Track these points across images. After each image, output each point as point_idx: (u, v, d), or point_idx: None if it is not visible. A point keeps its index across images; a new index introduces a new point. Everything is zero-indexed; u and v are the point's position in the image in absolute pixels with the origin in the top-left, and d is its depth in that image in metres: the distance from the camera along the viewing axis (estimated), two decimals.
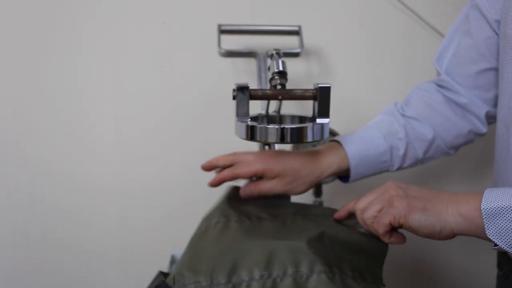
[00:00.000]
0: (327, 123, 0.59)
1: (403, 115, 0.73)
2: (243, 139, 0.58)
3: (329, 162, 0.68)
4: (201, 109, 1.01)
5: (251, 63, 0.98)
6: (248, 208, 0.64)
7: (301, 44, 0.91)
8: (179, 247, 0.91)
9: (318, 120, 0.58)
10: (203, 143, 1.02)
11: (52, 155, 1.00)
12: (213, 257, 0.54)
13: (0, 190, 1.02)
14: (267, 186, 0.65)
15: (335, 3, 1.00)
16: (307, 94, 0.59)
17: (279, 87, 0.59)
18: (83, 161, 1.01)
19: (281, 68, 0.59)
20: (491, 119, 0.75)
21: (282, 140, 0.56)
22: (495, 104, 0.72)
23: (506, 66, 0.63)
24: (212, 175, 0.73)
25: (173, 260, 0.80)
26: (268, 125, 0.56)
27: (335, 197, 1.06)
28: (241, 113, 0.58)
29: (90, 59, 0.99)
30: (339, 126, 0.92)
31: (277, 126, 0.56)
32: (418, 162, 0.75)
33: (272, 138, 0.56)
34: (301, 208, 0.66)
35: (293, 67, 0.99)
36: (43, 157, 1.00)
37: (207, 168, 0.69)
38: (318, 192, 0.87)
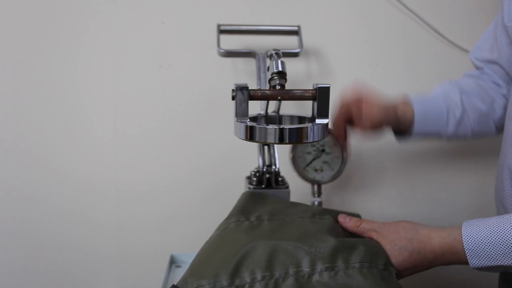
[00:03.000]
0: (327, 123, 0.59)
1: (458, 86, 0.77)
2: (242, 139, 0.58)
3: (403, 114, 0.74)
4: (201, 109, 1.01)
5: (251, 63, 0.98)
6: (252, 210, 0.63)
7: (301, 44, 0.91)
8: (179, 248, 0.91)
9: (318, 121, 0.58)
10: (202, 143, 1.02)
11: (51, 154, 1.00)
12: (215, 260, 0.54)
13: None
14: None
15: (335, 3, 1.00)
16: (306, 94, 0.58)
17: (278, 87, 0.59)
18: (82, 161, 1.01)
19: (280, 69, 0.59)
20: None
21: (281, 140, 0.56)
22: None
23: None
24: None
25: (172, 261, 0.80)
26: (267, 125, 0.56)
27: (335, 197, 1.06)
28: (240, 113, 0.57)
29: (90, 59, 0.98)
30: None
31: (276, 127, 0.56)
32: (468, 134, 0.77)
33: (271, 138, 0.56)
34: (307, 210, 0.66)
35: (292, 67, 0.99)
36: (42, 157, 1.00)
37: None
38: (317, 192, 0.87)
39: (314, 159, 0.82)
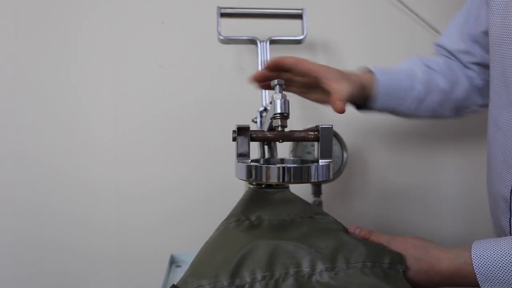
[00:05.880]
0: (330, 163, 0.57)
1: (425, 64, 0.76)
2: (244, 180, 0.56)
3: (363, 80, 0.70)
4: (201, 109, 1.01)
5: (251, 60, 0.98)
6: (252, 209, 0.63)
7: (304, 30, 0.88)
8: (179, 248, 0.91)
9: (321, 161, 0.57)
10: (202, 143, 1.02)
11: (51, 154, 1.00)
12: (215, 260, 0.54)
13: None
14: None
15: (335, 3, 1.00)
16: (309, 136, 0.57)
17: (280, 129, 0.58)
18: (82, 161, 1.01)
19: (283, 110, 0.56)
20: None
21: (284, 180, 0.53)
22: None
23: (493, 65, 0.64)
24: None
25: (172, 261, 0.80)
26: (269, 164, 0.54)
27: (335, 197, 1.06)
28: (241, 154, 0.56)
29: (90, 59, 0.98)
30: (339, 126, 0.92)
31: (279, 166, 0.53)
32: (428, 114, 0.76)
33: (274, 178, 0.53)
34: (308, 210, 0.66)
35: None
36: (42, 157, 1.00)
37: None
38: (317, 192, 0.87)
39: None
